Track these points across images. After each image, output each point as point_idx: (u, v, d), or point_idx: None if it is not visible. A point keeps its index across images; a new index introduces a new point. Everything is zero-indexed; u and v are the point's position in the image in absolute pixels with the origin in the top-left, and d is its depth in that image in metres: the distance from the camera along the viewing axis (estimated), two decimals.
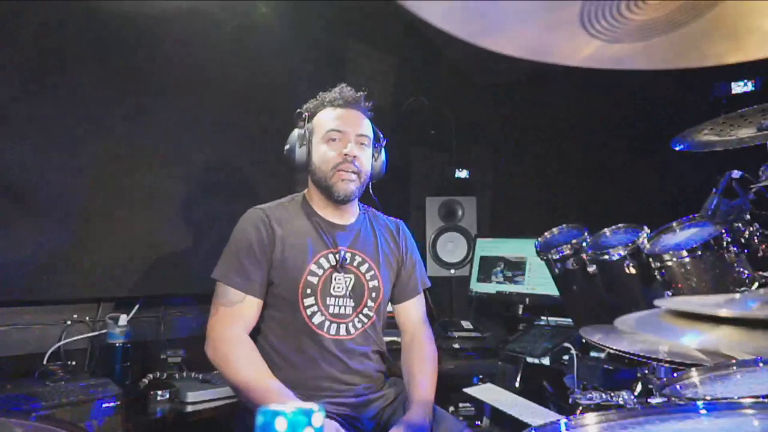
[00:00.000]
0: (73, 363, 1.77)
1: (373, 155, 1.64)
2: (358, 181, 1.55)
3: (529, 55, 0.70)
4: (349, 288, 1.56)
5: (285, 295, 1.50)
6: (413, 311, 1.72)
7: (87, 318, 1.89)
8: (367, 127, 1.61)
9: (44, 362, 1.73)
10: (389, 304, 1.72)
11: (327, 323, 1.52)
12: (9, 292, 1.71)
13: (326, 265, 1.54)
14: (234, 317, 1.44)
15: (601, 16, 0.64)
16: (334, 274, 1.55)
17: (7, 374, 1.65)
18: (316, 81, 2.60)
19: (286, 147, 1.60)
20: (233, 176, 2.28)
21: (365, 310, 1.59)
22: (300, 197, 1.64)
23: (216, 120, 2.20)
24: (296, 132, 1.60)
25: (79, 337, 1.85)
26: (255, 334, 1.51)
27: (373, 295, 1.60)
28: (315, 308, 1.51)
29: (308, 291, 1.51)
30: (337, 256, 1.55)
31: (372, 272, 1.61)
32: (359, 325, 1.57)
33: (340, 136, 1.54)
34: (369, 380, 1.56)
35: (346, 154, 1.52)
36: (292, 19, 2.46)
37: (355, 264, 1.59)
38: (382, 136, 1.68)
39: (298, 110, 1.63)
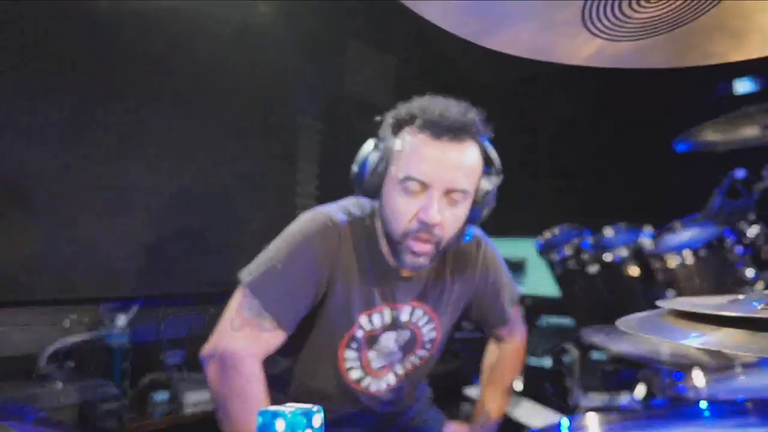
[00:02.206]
0: (72, 364, 1.77)
1: (476, 200, 1.16)
2: (434, 252, 1.14)
3: (529, 54, 0.70)
4: (400, 344, 1.30)
5: (323, 342, 1.25)
6: (500, 332, 1.52)
7: (86, 319, 1.89)
8: (467, 174, 1.12)
9: (43, 363, 1.73)
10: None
11: (367, 379, 1.29)
12: (8, 292, 1.70)
13: (378, 323, 1.25)
14: (259, 347, 1.15)
15: (603, 15, 0.64)
16: (385, 334, 1.27)
17: (4, 375, 1.64)
18: (316, 81, 2.61)
19: (354, 167, 1.19)
20: (233, 176, 2.28)
21: (412, 358, 1.34)
22: (372, 218, 1.23)
23: (216, 120, 2.19)
24: (372, 147, 1.18)
25: (78, 337, 1.85)
26: (273, 358, 1.21)
27: (428, 346, 1.34)
28: (356, 363, 1.27)
29: (353, 345, 1.25)
30: (393, 313, 1.26)
31: (432, 324, 1.32)
32: (401, 372, 1.34)
33: (421, 188, 1.09)
34: (397, 413, 1.41)
35: (422, 222, 1.09)
36: (292, 19, 2.46)
37: (414, 320, 1.29)
38: (499, 166, 1.19)
39: (378, 117, 1.21)
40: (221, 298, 1.25)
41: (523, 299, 2.60)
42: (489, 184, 1.17)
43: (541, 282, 2.56)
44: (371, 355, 1.28)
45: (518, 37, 0.69)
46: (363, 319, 1.23)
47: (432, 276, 1.29)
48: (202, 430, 1.77)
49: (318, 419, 0.49)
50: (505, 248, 2.78)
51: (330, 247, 1.18)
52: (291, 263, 1.15)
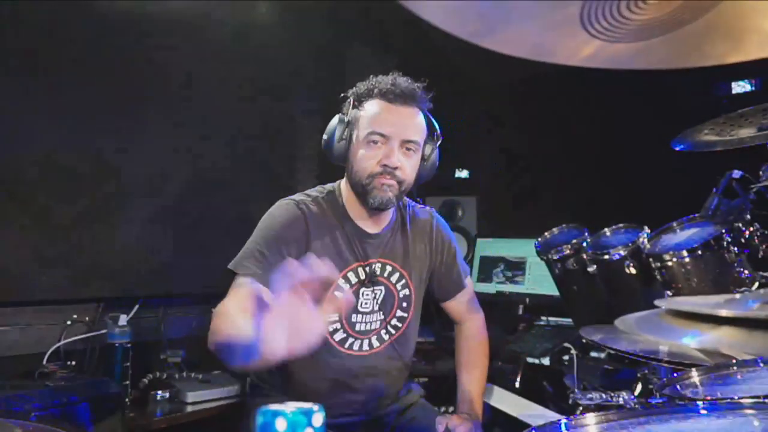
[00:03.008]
0: (73, 363, 1.77)
1: (423, 157, 1.45)
2: (398, 190, 1.38)
3: (529, 54, 0.70)
4: (378, 301, 1.46)
5: None
6: (460, 305, 1.64)
7: (87, 318, 1.89)
8: (417, 129, 1.41)
9: (44, 362, 1.73)
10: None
11: (350, 340, 1.42)
12: (9, 292, 1.70)
13: (354, 280, 1.42)
14: (245, 301, 1.17)
15: (602, 16, 0.64)
16: (362, 289, 1.43)
17: (6, 374, 1.64)
18: (316, 81, 2.61)
19: (324, 137, 1.43)
20: (233, 176, 2.28)
21: (393, 321, 1.49)
22: (334, 193, 1.48)
23: (215, 120, 2.20)
24: (337, 120, 1.41)
25: (79, 337, 1.85)
26: None
27: (404, 304, 1.50)
28: (338, 325, 1.40)
29: None
30: (366, 269, 1.43)
31: (403, 281, 1.49)
32: (386, 338, 1.47)
33: (383, 140, 1.36)
34: (386, 397, 1.50)
35: (385, 165, 1.35)
36: (292, 19, 2.46)
37: (385, 275, 1.47)
38: (438, 132, 1.48)
39: (343, 94, 1.44)
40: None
41: (523, 299, 2.62)
42: (432, 145, 1.47)
43: (541, 282, 2.56)
44: (354, 318, 1.42)
45: (518, 38, 0.69)
46: (340, 281, 1.38)
47: (395, 235, 1.50)
48: (202, 429, 1.77)
49: (319, 418, 0.49)
50: (505, 248, 2.80)
51: (297, 220, 1.36)
52: (264, 241, 1.32)
